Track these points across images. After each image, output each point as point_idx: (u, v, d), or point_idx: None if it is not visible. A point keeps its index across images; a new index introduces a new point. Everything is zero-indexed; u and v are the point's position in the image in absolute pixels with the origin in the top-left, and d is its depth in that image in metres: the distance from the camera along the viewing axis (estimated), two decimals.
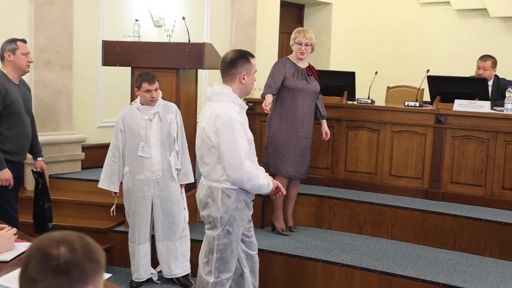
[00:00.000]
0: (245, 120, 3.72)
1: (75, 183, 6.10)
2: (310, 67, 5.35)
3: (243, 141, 3.52)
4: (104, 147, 6.56)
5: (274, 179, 5.28)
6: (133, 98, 5.23)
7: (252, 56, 3.70)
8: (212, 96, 3.65)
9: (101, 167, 6.47)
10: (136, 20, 5.58)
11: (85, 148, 6.46)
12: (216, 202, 3.61)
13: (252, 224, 3.98)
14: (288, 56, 5.36)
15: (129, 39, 5.37)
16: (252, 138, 3.72)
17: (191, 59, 5.14)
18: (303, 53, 5.22)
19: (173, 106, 4.85)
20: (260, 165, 3.82)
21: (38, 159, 4.88)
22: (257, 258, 4.02)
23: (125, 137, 4.72)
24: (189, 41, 5.33)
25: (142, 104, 4.69)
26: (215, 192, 3.61)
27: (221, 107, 3.55)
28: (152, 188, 4.70)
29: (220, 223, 3.62)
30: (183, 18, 5.58)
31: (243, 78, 3.61)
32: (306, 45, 5.20)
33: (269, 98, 4.92)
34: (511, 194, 5.40)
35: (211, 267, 3.70)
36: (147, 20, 7.02)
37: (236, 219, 3.64)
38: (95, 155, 6.55)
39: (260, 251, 5.03)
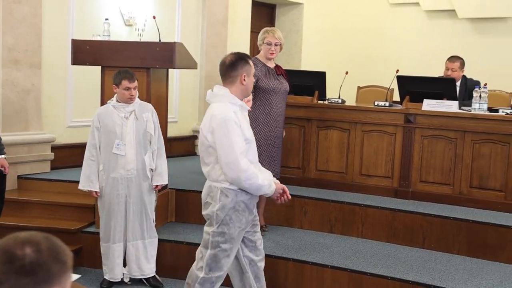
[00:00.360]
0: (245, 119, 3.76)
1: (44, 183, 6.03)
2: (278, 67, 5.35)
3: (238, 140, 3.55)
4: (74, 147, 6.56)
5: None
6: (103, 97, 5.20)
7: (250, 58, 3.78)
8: (211, 98, 3.71)
9: (71, 167, 6.46)
10: (106, 19, 5.54)
11: (54, 148, 6.38)
12: (215, 200, 3.65)
13: (258, 229, 3.97)
14: (256, 56, 5.32)
15: (99, 38, 5.33)
16: (253, 138, 3.75)
17: (161, 59, 5.12)
18: (273, 53, 5.22)
19: (149, 106, 4.85)
20: None
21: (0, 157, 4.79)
22: (262, 265, 4.01)
23: (100, 135, 4.69)
24: (159, 40, 5.31)
25: (119, 102, 4.66)
26: (214, 190, 3.65)
27: (218, 108, 3.61)
28: (126, 186, 4.68)
29: (216, 220, 3.64)
30: (154, 17, 5.57)
31: (244, 80, 3.68)
32: (276, 45, 5.20)
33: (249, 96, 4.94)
34: (479, 192, 5.49)
35: (203, 262, 3.73)
36: (117, 19, 6.96)
37: (232, 219, 3.64)
38: (64, 155, 6.50)
39: None
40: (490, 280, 4.47)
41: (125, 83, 4.55)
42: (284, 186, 3.81)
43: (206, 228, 3.76)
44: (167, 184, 5.16)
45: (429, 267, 4.73)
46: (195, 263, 3.86)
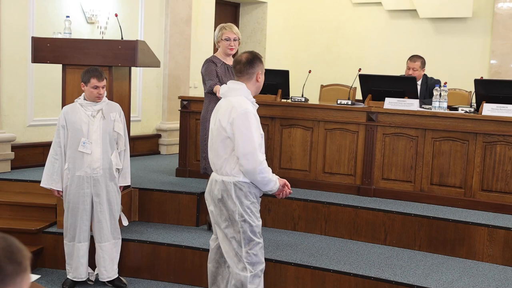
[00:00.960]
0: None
1: (4, 183, 5.92)
2: None
3: (256, 133, 3.61)
4: (35, 146, 6.47)
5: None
6: (65, 96, 5.15)
7: (262, 56, 3.85)
8: (227, 92, 3.73)
9: (32, 167, 6.38)
10: (67, 17, 5.47)
11: (14, 148, 6.28)
12: (231, 196, 3.64)
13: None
14: (215, 55, 5.29)
15: (60, 36, 5.27)
16: (263, 134, 3.78)
17: (123, 57, 5.08)
18: (232, 48, 5.20)
19: (117, 105, 4.81)
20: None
21: None
22: None
23: (67, 133, 4.63)
24: (122, 38, 5.27)
25: (86, 100, 4.62)
26: (228, 186, 3.65)
27: (237, 101, 3.64)
28: (91, 186, 4.63)
29: (239, 216, 3.64)
30: (116, 15, 5.53)
31: (259, 77, 3.76)
32: (234, 40, 5.18)
33: (219, 87, 4.92)
34: (439, 189, 5.57)
35: (244, 262, 3.68)
36: (79, 16, 6.88)
37: (252, 211, 3.69)
38: (25, 154, 6.40)
39: (195, 249, 5.05)
40: (450, 275, 4.55)
41: (93, 81, 4.51)
42: (285, 181, 3.84)
43: (229, 230, 3.69)
44: (129, 186, 5.13)
45: (391, 263, 4.79)
46: (234, 268, 3.71)
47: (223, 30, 5.18)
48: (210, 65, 5.20)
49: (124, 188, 4.98)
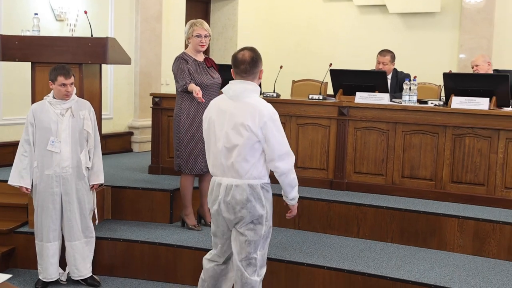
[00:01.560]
0: None
1: None
2: (207, 59, 5.28)
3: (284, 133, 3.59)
4: (5, 146, 6.39)
5: (181, 178, 5.26)
6: (34, 94, 5.08)
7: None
8: (241, 93, 3.57)
9: (2, 166, 6.28)
10: (36, 14, 5.40)
11: None
12: (260, 199, 3.56)
13: None
14: (185, 52, 5.23)
15: (28, 34, 5.19)
16: None
17: (94, 54, 5.03)
18: (203, 45, 5.16)
19: (87, 103, 4.76)
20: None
21: None
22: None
23: (35, 131, 4.57)
24: (91, 35, 5.22)
25: (55, 98, 4.56)
26: (257, 189, 3.56)
27: (260, 103, 3.56)
28: (61, 184, 4.58)
29: (266, 218, 3.60)
30: (86, 12, 5.47)
31: (261, 75, 3.70)
32: (205, 36, 5.14)
33: (194, 86, 4.90)
34: (410, 182, 5.63)
35: (255, 266, 3.61)
36: (48, 14, 6.79)
37: (270, 213, 3.68)
38: None
39: (169, 246, 5.04)
40: (421, 266, 4.60)
41: (60, 79, 4.46)
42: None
43: (250, 233, 3.57)
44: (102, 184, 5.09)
45: (364, 255, 4.83)
46: (244, 272, 3.60)
47: (194, 27, 5.13)
48: (181, 62, 5.13)
49: (98, 186, 4.92)
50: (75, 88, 4.65)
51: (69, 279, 4.83)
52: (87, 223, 4.76)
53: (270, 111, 3.53)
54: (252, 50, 3.67)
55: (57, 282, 4.80)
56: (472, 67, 6.52)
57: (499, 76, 5.77)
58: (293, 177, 3.63)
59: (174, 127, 5.27)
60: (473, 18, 8.73)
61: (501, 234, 4.87)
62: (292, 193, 3.69)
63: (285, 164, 3.55)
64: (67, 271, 4.80)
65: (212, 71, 5.22)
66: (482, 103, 5.41)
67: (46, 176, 4.57)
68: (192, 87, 4.90)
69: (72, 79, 4.52)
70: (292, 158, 3.58)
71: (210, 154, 3.70)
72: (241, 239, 3.59)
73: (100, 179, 4.82)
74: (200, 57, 5.24)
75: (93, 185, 4.78)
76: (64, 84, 4.48)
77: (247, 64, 3.59)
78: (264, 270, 3.72)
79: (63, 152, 4.55)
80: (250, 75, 3.61)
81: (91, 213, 4.81)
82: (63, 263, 4.81)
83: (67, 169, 4.58)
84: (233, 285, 3.77)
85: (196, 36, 5.12)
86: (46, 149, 4.54)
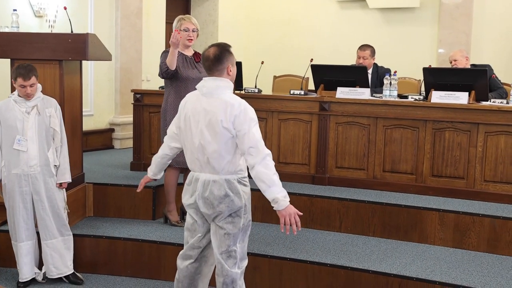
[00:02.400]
0: None
1: None
2: (196, 54, 5.26)
3: (257, 125, 3.54)
4: None
5: (166, 174, 5.22)
6: (13, 91, 5.03)
7: (230, 46, 3.68)
8: (215, 90, 3.54)
9: None
10: (15, 10, 5.35)
11: None
12: (238, 193, 3.55)
13: None
14: None
15: (7, 30, 5.14)
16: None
17: (74, 50, 4.98)
18: (191, 39, 5.15)
19: (53, 101, 4.69)
20: None
21: None
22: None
23: (1, 130, 4.51)
24: (71, 31, 5.18)
25: (20, 97, 4.51)
26: (234, 184, 3.55)
27: (230, 98, 3.52)
28: (30, 183, 4.53)
29: (244, 211, 3.58)
30: (65, 8, 5.43)
31: (230, 70, 3.62)
32: (193, 31, 5.13)
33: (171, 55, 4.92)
34: (391, 176, 5.67)
35: (235, 258, 3.60)
36: (26, 10, 6.72)
37: (248, 206, 3.65)
38: None
39: (152, 242, 5.02)
40: (403, 259, 4.64)
41: (19, 80, 4.39)
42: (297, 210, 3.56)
43: (229, 226, 3.55)
44: (84, 179, 5.05)
45: (346, 249, 4.86)
46: (224, 264, 3.59)
47: (182, 21, 5.12)
48: (167, 55, 5.12)
49: (66, 185, 4.82)
50: (40, 86, 4.58)
51: (51, 279, 4.78)
52: (62, 221, 4.71)
53: (241, 106, 3.50)
54: (218, 46, 3.64)
55: (37, 281, 4.75)
56: (451, 62, 6.57)
57: (478, 70, 5.83)
58: (263, 171, 3.43)
59: (162, 122, 5.26)
60: (452, 13, 8.80)
61: (481, 227, 4.93)
62: (268, 192, 3.44)
63: (253, 158, 3.44)
64: (43, 270, 4.75)
65: (200, 66, 5.19)
66: (461, 97, 5.47)
67: (14, 176, 4.52)
68: (170, 57, 4.90)
69: (32, 80, 4.42)
70: (261, 151, 3.44)
71: (187, 150, 3.68)
72: (220, 232, 3.59)
73: (66, 178, 4.72)
74: (189, 52, 5.22)
75: (60, 184, 4.72)
76: (23, 86, 4.40)
77: (210, 61, 3.58)
78: (245, 262, 3.71)
79: (30, 151, 4.49)
80: (214, 72, 3.59)
81: (65, 211, 4.76)
82: (40, 262, 4.78)
83: (35, 168, 4.53)
84: (215, 279, 3.78)
85: (184, 30, 5.10)
86: (13, 148, 4.48)
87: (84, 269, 5.07)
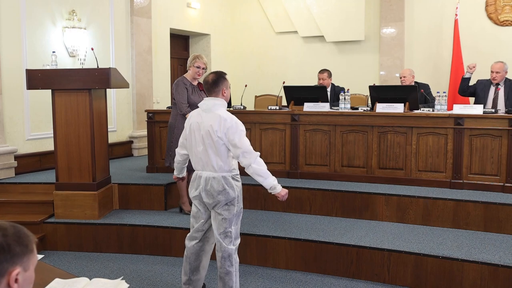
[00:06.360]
0: None
1: (10, 186, 5.68)
2: (200, 84, 5.24)
3: (245, 136, 3.54)
4: (33, 156, 6.27)
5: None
6: (55, 114, 5.01)
7: (226, 74, 3.68)
8: (213, 107, 3.54)
9: (32, 171, 6.17)
10: (53, 52, 5.31)
11: (17, 157, 6.05)
12: (232, 186, 3.53)
13: None
14: (184, 76, 5.18)
15: (48, 67, 5.11)
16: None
17: (100, 81, 4.96)
18: (200, 74, 5.14)
19: None
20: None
21: None
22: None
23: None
24: (97, 66, 5.16)
25: None
26: (229, 179, 3.54)
27: (224, 113, 3.50)
28: None
29: (237, 201, 3.57)
30: (92, 49, 5.41)
31: (224, 92, 3.61)
32: (203, 68, 5.12)
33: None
34: (348, 169, 5.68)
35: (231, 237, 3.58)
36: (62, 51, 6.67)
37: (241, 196, 3.63)
38: (25, 162, 6.19)
39: (165, 228, 5.00)
40: (359, 233, 4.66)
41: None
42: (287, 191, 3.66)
43: (225, 212, 3.54)
44: (110, 180, 4.99)
45: (316, 227, 4.87)
46: (222, 242, 3.57)
47: (196, 59, 5.09)
48: (181, 86, 5.10)
49: None
50: None
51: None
52: None
53: (232, 120, 3.50)
54: (216, 73, 3.64)
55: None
56: (400, 78, 6.55)
57: (410, 87, 5.87)
58: (258, 168, 3.48)
59: (169, 133, 5.24)
60: (389, 44, 8.87)
61: (417, 206, 4.97)
62: (266, 183, 3.53)
63: (247, 159, 3.46)
64: None
65: (203, 94, 5.17)
66: (398, 108, 5.51)
67: None
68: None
69: None
70: (252, 154, 3.47)
71: (192, 154, 3.69)
72: (218, 217, 3.59)
73: None
74: (195, 82, 5.21)
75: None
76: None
77: (209, 84, 3.59)
78: (238, 241, 3.69)
79: None
80: (212, 93, 3.59)
81: None
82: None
83: None
84: (215, 254, 3.77)
85: (196, 66, 5.08)
86: None
87: (113, 250, 5.04)
